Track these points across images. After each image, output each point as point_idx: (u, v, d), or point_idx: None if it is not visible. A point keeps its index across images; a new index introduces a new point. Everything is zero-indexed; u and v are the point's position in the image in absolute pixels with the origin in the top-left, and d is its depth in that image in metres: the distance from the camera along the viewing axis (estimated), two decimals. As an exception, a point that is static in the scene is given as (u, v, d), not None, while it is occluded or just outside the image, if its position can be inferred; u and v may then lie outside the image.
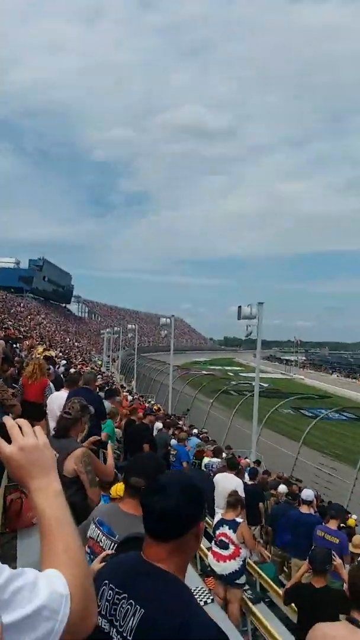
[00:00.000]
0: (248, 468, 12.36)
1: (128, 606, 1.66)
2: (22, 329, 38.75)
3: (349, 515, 13.15)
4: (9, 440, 1.28)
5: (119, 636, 1.65)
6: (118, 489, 3.76)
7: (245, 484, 10.31)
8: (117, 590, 1.73)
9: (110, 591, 1.74)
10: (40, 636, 1.02)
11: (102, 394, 10.10)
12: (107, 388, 13.49)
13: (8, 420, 1.31)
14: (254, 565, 8.20)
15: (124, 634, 1.63)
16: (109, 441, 6.52)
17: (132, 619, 1.63)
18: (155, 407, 21.32)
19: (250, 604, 6.88)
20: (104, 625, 1.71)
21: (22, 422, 1.32)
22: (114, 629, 1.67)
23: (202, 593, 7.10)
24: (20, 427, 1.30)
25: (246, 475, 11.23)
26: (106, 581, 1.78)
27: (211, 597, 6.84)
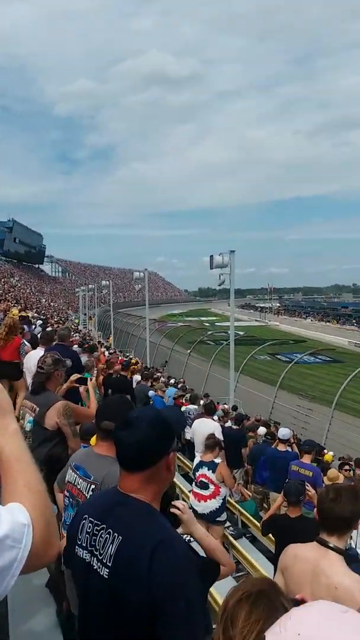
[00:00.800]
0: (236, 414, 12.64)
1: (107, 535, 1.76)
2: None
3: (325, 451, 13.60)
4: None
5: (99, 564, 1.75)
6: (94, 440, 3.87)
7: (230, 428, 10.61)
8: (95, 522, 1.83)
9: (89, 524, 1.85)
10: (6, 564, 1.10)
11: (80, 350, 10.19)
12: (84, 345, 13.58)
13: None
14: (235, 503, 8.53)
15: (104, 561, 1.73)
16: (89, 376, 6.57)
17: (110, 546, 1.73)
18: (133, 360, 21.43)
19: (232, 539, 7.21)
20: (85, 556, 1.83)
21: None
22: (95, 558, 1.78)
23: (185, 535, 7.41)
24: None
25: (229, 421, 11.51)
26: (85, 515, 1.89)
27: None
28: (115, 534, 1.74)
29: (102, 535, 1.78)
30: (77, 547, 1.87)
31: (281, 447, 8.75)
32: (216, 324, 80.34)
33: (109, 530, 1.77)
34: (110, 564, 1.71)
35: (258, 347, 30.54)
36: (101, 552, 1.75)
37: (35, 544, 1.15)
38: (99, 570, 1.74)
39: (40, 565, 1.22)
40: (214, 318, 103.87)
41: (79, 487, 2.96)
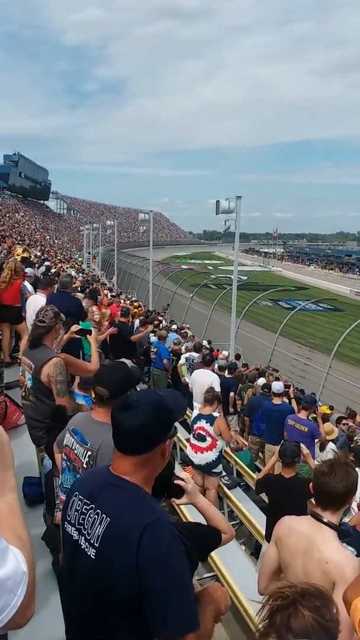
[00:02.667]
0: (227, 362, 12.69)
1: (95, 515, 1.76)
2: (0, 228, 38.06)
3: (319, 404, 13.73)
4: None
5: (87, 543, 1.75)
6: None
7: (223, 376, 10.67)
8: (85, 500, 1.82)
9: (79, 502, 1.84)
10: (1, 607, 1.08)
11: (81, 295, 10.14)
12: (87, 289, 13.52)
13: None
14: (230, 453, 8.67)
15: (91, 541, 1.73)
16: (90, 326, 6.55)
17: (98, 527, 1.73)
18: (135, 304, 21.42)
19: (226, 489, 7.36)
20: (73, 533, 1.83)
21: None
22: (82, 537, 1.78)
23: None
24: None
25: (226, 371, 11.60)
26: (76, 492, 1.89)
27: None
28: (103, 514, 1.74)
29: (91, 515, 1.77)
30: (66, 523, 1.87)
31: (276, 400, 8.87)
32: (220, 267, 79.92)
33: (97, 510, 1.76)
34: (97, 545, 1.71)
35: (261, 293, 30.50)
36: (89, 532, 1.75)
37: (26, 596, 1.14)
38: (86, 550, 1.74)
39: (21, 622, 1.16)
40: (218, 262, 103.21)
41: (76, 451, 2.98)
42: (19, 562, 1.14)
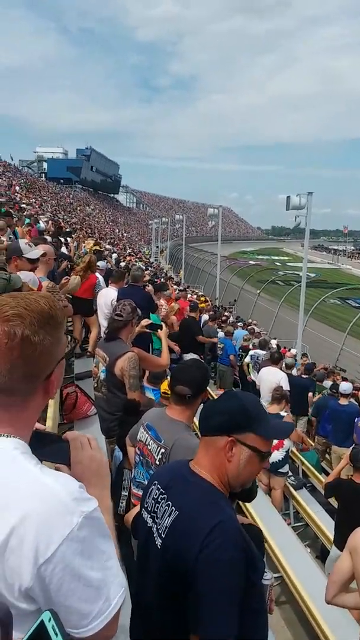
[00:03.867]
0: (296, 362, 12.53)
1: (166, 507, 1.78)
2: (72, 221, 38.88)
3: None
4: None
5: (156, 532, 1.78)
6: (166, 385, 3.91)
7: (300, 377, 10.56)
8: (161, 490, 1.85)
9: (157, 490, 1.87)
10: (95, 612, 1.10)
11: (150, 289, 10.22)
12: (155, 282, 13.63)
13: (76, 433, 1.44)
14: (297, 453, 8.57)
15: (160, 532, 1.76)
16: (158, 320, 6.59)
17: (167, 518, 1.74)
18: (201, 299, 21.44)
19: (292, 490, 7.28)
20: (148, 520, 1.86)
21: (91, 436, 1.44)
22: (155, 526, 1.81)
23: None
24: (89, 440, 1.42)
25: (295, 369, 11.44)
26: (156, 481, 1.92)
27: (256, 484, 7.24)
28: (173, 507, 1.75)
29: (163, 505, 1.80)
30: (143, 510, 1.92)
31: (343, 401, 8.70)
32: (288, 264, 78.97)
33: (169, 502, 1.78)
34: (164, 536, 1.73)
35: (330, 291, 29.94)
36: (160, 522, 1.78)
37: (116, 612, 1.15)
38: (155, 539, 1.78)
39: (107, 635, 1.17)
40: (286, 258, 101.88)
41: (149, 447, 3.00)
42: (121, 576, 1.17)
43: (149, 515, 1.86)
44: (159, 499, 1.83)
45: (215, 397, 1.94)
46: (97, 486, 1.34)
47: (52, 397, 1.27)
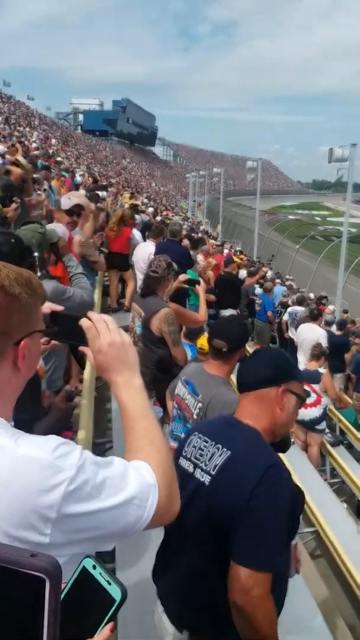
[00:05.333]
0: (335, 319, 12.30)
1: (215, 449, 1.84)
2: (108, 174, 38.68)
3: None
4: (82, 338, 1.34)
5: (203, 473, 1.83)
6: (202, 341, 3.89)
7: (332, 333, 10.41)
8: (205, 438, 1.91)
9: (198, 439, 1.93)
10: (130, 523, 1.12)
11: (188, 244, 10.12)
12: (192, 237, 13.48)
13: (94, 315, 1.35)
14: (334, 410, 8.51)
15: (208, 470, 1.82)
16: (201, 280, 6.54)
17: (217, 458, 1.80)
18: (238, 254, 21.23)
19: (329, 446, 7.25)
20: (187, 466, 1.91)
21: (108, 318, 1.36)
22: (199, 469, 1.86)
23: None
24: (106, 323, 1.34)
25: (334, 326, 11.26)
26: (196, 432, 1.98)
27: (292, 440, 7.25)
28: (224, 449, 1.82)
29: (210, 449, 1.86)
30: (181, 458, 1.95)
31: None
32: (328, 219, 77.16)
33: (218, 445, 1.84)
34: (213, 473, 1.79)
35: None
36: (206, 463, 1.84)
37: (160, 503, 1.16)
38: (199, 477, 1.84)
39: (162, 523, 1.23)
40: (327, 213, 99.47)
41: (186, 402, 2.99)
42: (144, 476, 1.16)
43: (189, 462, 1.91)
44: (202, 447, 1.89)
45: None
46: (122, 372, 1.32)
47: (23, 374, 1.19)
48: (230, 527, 1.67)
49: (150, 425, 1.28)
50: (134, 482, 1.13)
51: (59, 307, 1.38)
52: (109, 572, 0.92)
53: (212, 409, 2.78)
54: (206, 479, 1.80)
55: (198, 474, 1.84)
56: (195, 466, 1.87)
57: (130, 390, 1.31)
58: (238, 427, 1.87)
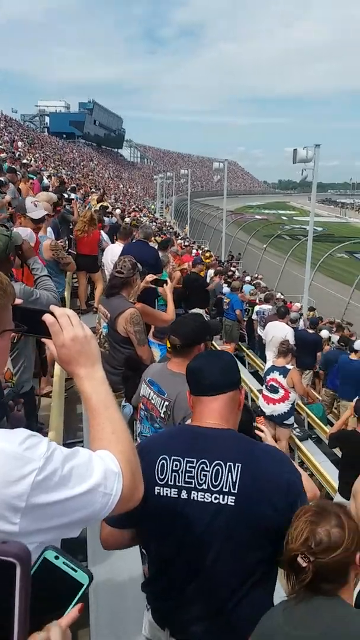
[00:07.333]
0: (301, 316, 12.50)
1: (217, 467, 1.76)
2: (76, 177, 38.45)
3: None
4: (46, 331, 1.38)
5: (214, 494, 1.74)
6: (171, 341, 3.93)
7: (305, 332, 10.57)
8: (187, 459, 1.81)
9: (176, 462, 1.82)
10: (96, 510, 1.17)
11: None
12: (161, 238, 13.53)
13: (57, 309, 1.39)
14: (303, 405, 8.65)
15: (224, 490, 1.73)
16: (167, 279, 6.59)
17: (229, 474, 1.74)
18: (207, 254, 21.32)
19: (297, 441, 7.39)
20: (172, 494, 1.80)
21: (70, 312, 1.41)
22: (196, 493, 1.77)
23: (253, 431, 7.65)
24: (69, 318, 1.39)
25: (301, 322, 11.41)
26: (164, 456, 1.84)
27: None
28: (229, 463, 1.75)
29: (206, 468, 1.77)
30: (157, 487, 1.82)
31: (353, 356, 8.68)
32: (294, 218, 77.97)
33: (217, 462, 1.77)
34: (235, 490, 1.73)
35: (337, 245, 29.67)
36: (214, 483, 1.75)
37: (124, 490, 1.21)
38: (211, 500, 1.75)
39: (127, 508, 1.27)
40: (293, 212, 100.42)
41: (153, 401, 3.05)
42: (108, 464, 1.21)
43: (175, 489, 1.80)
44: (187, 468, 1.80)
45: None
46: (85, 365, 1.36)
47: None
48: (271, 535, 1.69)
49: (112, 416, 1.32)
50: (99, 470, 1.18)
51: (18, 301, 1.42)
52: (73, 560, 0.98)
53: (178, 407, 2.84)
54: (228, 499, 1.72)
55: (201, 497, 1.76)
56: (187, 490, 1.78)
57: (93, 382, 1.35)
58: (217, 435, 1.82)
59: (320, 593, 1.51)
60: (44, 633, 0.79)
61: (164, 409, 2.94)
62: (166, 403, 2.93)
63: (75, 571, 0.97)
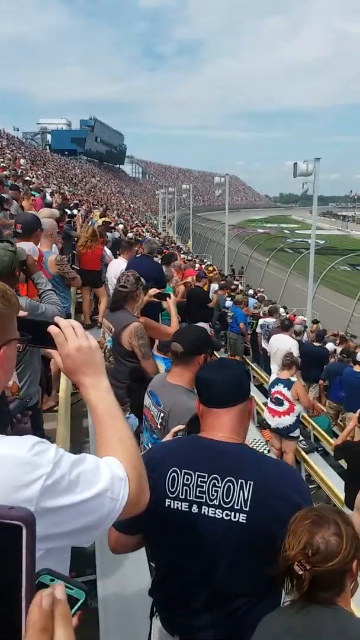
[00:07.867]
0: (304, 329, 12.50)
1: (228, 483, 1.75)
2: (78, 193, 38.65)
3: None
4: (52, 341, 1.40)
5: (225, 511, 1.74)
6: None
7: (312, 345, 10.58)
8: (199, 473, 1.80)
9: (187, 476, 1.81)
10: (104, 515, 1.19)
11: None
12: (164, 253, 13.58)
13: (61, 320, 1.42)
14: (308, 418, 8.63)
15: (236, 507, 1.73)
16: (171, 293, 6.61)
17: (241, 492, 1.73)
18: (209, 268, 21.37)
19: (304, 453, 7.36)
20: (183, 507, 1.80)
21: (75, 324, 1.44)
22: (207, 508, 1.77)
23: (260, 444, 7.63)
24: (73, 329, 1.42)
25: (305, 335, 11.42)
26: (174, 468, 1.83)
27: (267, 448, 7.34)
28: (241, 480, 1.75)
29: (217, 484, 1.77)
30: (167, 499, 1.82)
31: (357, 369, 8.67)
32: (296, 231, 78.23)
33: (229, 478, 1.76)
34: (247, 508, 1.72)
35: (339, 257, 29.73)
36: (226, 500, 1.75)
37: (130, 495, 1.24)
38: (221, 516, 1.75)
39: (133, 513, 1.30)
40: (295, 225, 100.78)
41: (151, 412, 3.06)
42: (115, 470, 1.24)
43: (186, 503, 1.80)
44: (198, 482, 1.79)
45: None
46: (90, 374, 1.39)
47: (1, 380, 1.28)
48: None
49: (118, 424, 1.36)
50: (106, 475, 1.21)
51: (23, 313, 1.45)
52: (67, 578, 0.98)
53: (172, 417, 2.80)
54: (240, 517, 1.72)
55: (212, 512, 1.76)
56: (198, 505, 1.78)
57: (98, 392, 1.38)
58: (229, 450, 1.82)
59: (318, 602, 1.49)
60: (49, 589, 0.82)
61: (160, 420, 2.94)
62: (162, 414, 2.92)
63: (72, 589, 0.98)
